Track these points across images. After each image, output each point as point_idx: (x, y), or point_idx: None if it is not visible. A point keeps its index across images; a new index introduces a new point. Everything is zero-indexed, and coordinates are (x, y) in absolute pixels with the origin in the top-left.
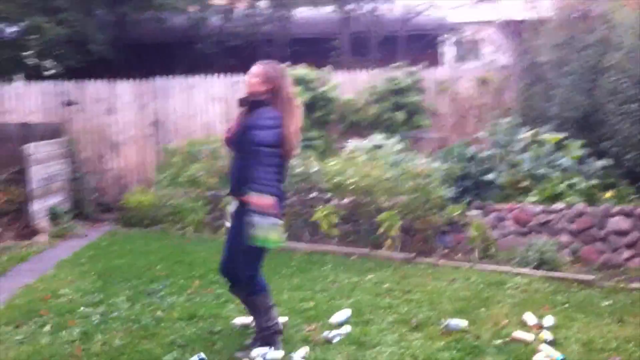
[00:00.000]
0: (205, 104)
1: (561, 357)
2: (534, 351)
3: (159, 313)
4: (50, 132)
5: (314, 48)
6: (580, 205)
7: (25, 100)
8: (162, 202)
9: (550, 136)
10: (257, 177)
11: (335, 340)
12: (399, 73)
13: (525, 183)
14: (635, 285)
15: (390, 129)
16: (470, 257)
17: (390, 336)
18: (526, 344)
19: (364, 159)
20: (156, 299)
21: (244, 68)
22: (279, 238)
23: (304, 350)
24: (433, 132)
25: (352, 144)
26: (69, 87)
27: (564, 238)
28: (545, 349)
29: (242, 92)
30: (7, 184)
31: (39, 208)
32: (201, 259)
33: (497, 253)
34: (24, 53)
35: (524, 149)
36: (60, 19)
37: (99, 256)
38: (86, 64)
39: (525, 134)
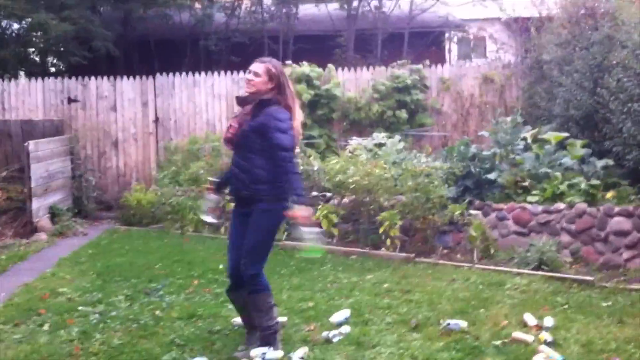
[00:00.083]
0: (208, 102)
1: (561, 358)
2: (534, 352)
3: (158, 312)
4: (53, 129)
5: (318, 45)
6: (581, 206)
7: (28, 97)
8: (163, 200)
9: (553, 135)
10: (297, 188)
11: (334, 341)
12: (402, 71)
13: (527, 183)
14: (635, 286)
15: (392, 127)
16: (470, 257)
17: (390, 336)
18: (526, 344)
19: (365, 157)
20: (155, 298)
21: (247, 65)
22: (322, 247)
23: (302, 351)
24: (435, 131)
25: (354, 142)
26: (72, 84)
27: (564, 238)
28: (545, 349)
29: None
30: (7, 182)
31: (39, 206)
32: (200, 258)
33: (497, 253)
34: (29, 50)
35: (526, 148)
36: (65, 16)
37: (98, 255)
38: (91, 61)
39: (528, 133)
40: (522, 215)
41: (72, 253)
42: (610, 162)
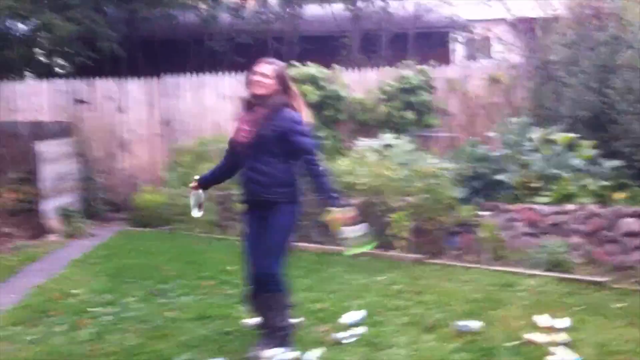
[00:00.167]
0: (215, 103)
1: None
2: (547, 353)
3: (169, 314)
4: (61, 130)
5: (324, 46)
6: (592, 207)
7: (36, 98)
8: (172, 201)
9: (562, 136)
10: (329, 190)
11: (347, 342)
12: (409, 71)
13: (536, 184)
14: None
15: (399, 128)
16: (480, 259)
17: (402, 338)
18: (539, 346)
19: (374, 158)
20: (167, 299)
21: (252, 66)
22: (370, 240)
23: (320, 351)
24: (443, 132)
25: (362, 143)
26: (80, 85)
27: (575, 239)
28: (558, 351)
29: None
30: (18, 183)
31: (49, 207)
32: (211, 260)
33: (508, 254)
34: (35, 50)
35: (535, 149)
36: (70, 16)
37: (109, 256)
38: (96, 61)
39: (536, 134)
40: (532, 217)
41: (83, 254)
42: (620, 163)
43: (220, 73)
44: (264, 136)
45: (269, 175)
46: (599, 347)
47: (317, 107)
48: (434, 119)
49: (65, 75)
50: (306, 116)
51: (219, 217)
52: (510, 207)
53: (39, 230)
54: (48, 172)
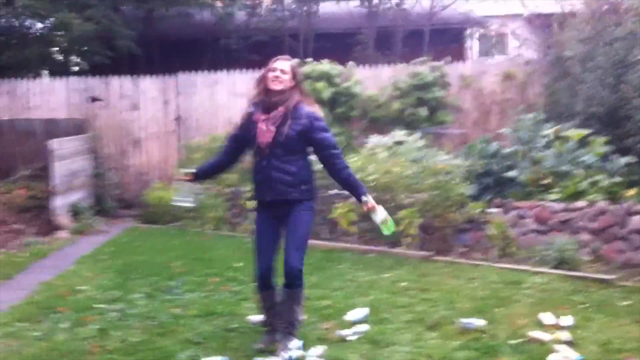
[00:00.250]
0: (228, 100)
1: (579, 358)
2: (551, 351)
3: (176, 310)
4: (75, 128)
5: (339, 43)
6: (602, 204)
7: (51, 96)
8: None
9: (575, 132)
10: (358, 180)
11: (351, 339)
12: (423, 68)
13: (548, 180)
14: None
15: (412, 125)
16: (489, 256)
17: (406, 335)
18: (543, 344)
19: (385, 155)
20: (174, 296)
21: (267, 64)
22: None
23: (322, 349)
24: (456, 128)
25: (374, 140)
26: (95, 83)
27: (585, 237)
28: (563, 349)
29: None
30: (30, 180)
31: (61, 204)
32: (220, 256)
33: (517, 251)
34: (52, 49)
35: (547, 146)
36: (87, 15)
37: (118, 253)
38: (113, 60)
39: (549, 130)
40: (542, 214)
41: (92, 251)
42: (633, 159)
43: (235, 71)
44: (288, 135)
45: (294, 174)
46: (604, 345)
47: (330, 104)
48: (447, 116)
49: (81, 73)
50: (318, 112)
51: (228, 214)
52: (520, 204)
53: (49, 227)
54: (60, 169)
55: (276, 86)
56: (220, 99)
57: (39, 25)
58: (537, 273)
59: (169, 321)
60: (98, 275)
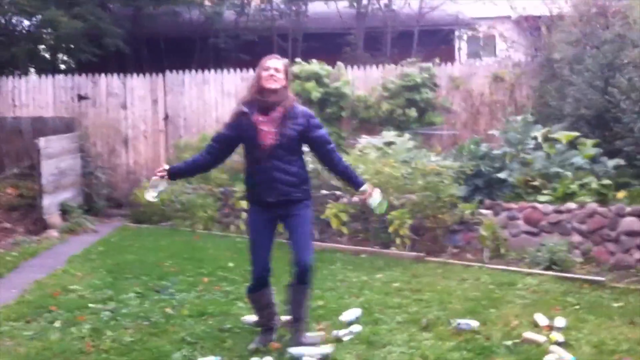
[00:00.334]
0: (217, 99)
1: (573, 359)
2: (545, 352)
3: (168, 310)
4: (63, 126)
5: (328, 43)
6: (592, 206)
7: (38, 94)
8: (172, 198)
9: (564, 134)
10: (354, 171)
11: (345, 339)
12: (412, 69)
13: (537, 182)
14: None
15: (402, 125)
16: (480, 257)
17: (400, 336)
18: (537, 345)
19: (375, 156)
20: (166, 295)
21: (256, 63)
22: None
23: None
24: (445, 129)
25: (364, 140)
26: (82, 81)
27: (575, 238)
28: (556, 350)
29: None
30: (19, 179)
31: (50, 203)
32: (210, 256)
33: (508, 253)
34: (39, 46)
35: (537, 148)
36: (75, 13)
37: (109, 252)
38: (101, 58)
39: (538, 132)
40: (533, 215)
41: (82, 250)
42: (622, 161)
43: (224, 70)
44: (288, 135)
45: (296, 174)
46: (597, 346)
47: (319, 104)
48: (437, 117)
49: (69, 72)
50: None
51: (218, 214)
52: (511, 205)
53: (40, 226)
54: (49, 168)
55: (272, 85)
56: (209, 98)
57: (26, 22)
58: (529, 274)
59: (161, 321)
60: (89, 274)
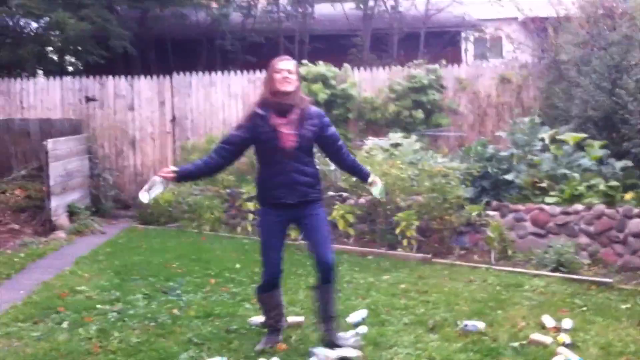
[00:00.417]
0: (224, 101)
1: None
2: (552, 354)
3: (175, 311)
4: (71, 128)
5: (334, 45)
6: (600, 207)
7: (46, 96)
8: (180, 199)
9: (571, 136)
10: (361, 164)
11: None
12: (418, 71)
13: (544, 184)
14: None
15: (408, 127)
16: (487, 259)
17: (407, 337)
18: (544, 346)
19: (382, 157)
20: (173, 296)
21: (263, 65)
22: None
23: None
24: (452, 131)
25: (370, 142)
26: (90, 83)
27: (583, 240)
28: (564, 352)
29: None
30: (26, 180)
31: (57, 204)
32: (217, 258)
33: (515, 254)
34: (47, 48)
35: (544, 149)
36: (82, 15)
37: (116, 253)
38: (108, 60)
39: (546, 134)
40: (540, 217)
41: (90, 251)
42: (629, 163)
43: (230, 72)
44: (306, 137)
45: (312, 174)
46: (605, 348)
47: (326, 106)
48: (444, 118)
49: (76, 73)
50: None
51: (225, 216)
52: (519, 206)
53: (47, 227)
54: (57, 170)
55: (287, 88)
56: (216, 100)
57: (34, 24)
58: (536, 276)
59: (168, 322)
60: (96, 275)
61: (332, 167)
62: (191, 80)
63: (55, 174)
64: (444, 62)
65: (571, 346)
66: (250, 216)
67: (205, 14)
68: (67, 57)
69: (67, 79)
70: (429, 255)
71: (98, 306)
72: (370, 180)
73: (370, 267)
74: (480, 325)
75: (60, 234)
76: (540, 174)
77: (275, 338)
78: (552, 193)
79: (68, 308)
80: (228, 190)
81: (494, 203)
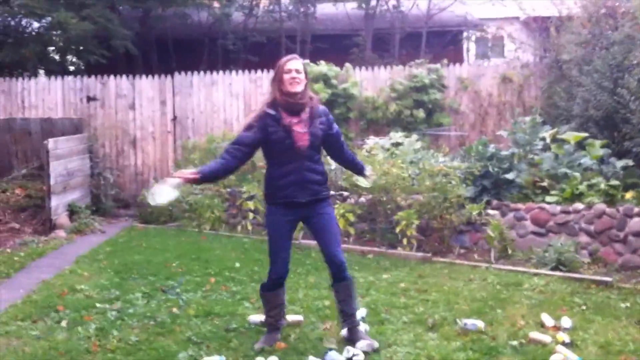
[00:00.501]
0: (225, 101)
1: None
2: (551, 352)
3: (175, 310)
4: (72, 127)
5: (336, 45)
6: (600, 206)
7: (48, 95)
8: (180, 199)
9: (572, 135)
10: (359, 160)
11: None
12: (420, 70)
13: (545, 183)
14: None
15: (410, 126)
16: (487, 258)
17: (406, 336)
18: (543, 345)
19: (383, 157)
20: (172, 295)
21: (264, 65)
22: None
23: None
24: (453, 130)
25: (371, 141)
26: (91, 82)
27: (583, 239)
28: (563, 350)
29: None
30: (27, 179)
31: (58, 203)
32: (217, 257)
33: (515, 253)
34: (48, 48)
35: (545, 149)
36: (84, 15)
37: (116, 252)
38: (110, 60)
39: (546, 133)
40: (540, 216)
41: (90, 250)
42: (630, 162)
43: (232, 71)
44: (317, 136)
45: (322, 173)
46: (604, 347)
47: (327, 105)
48: (445, 118)
49: (78, 73)
50: None
51: (225, 215)
52: (519, 205)
53: (47, 226)
54: (58, 169)
55: (297, 88)
56: (217, 99)
57: (36, 24)
58: (536, 275)
59: (168, 321)
60: (96, 274)
61: (333, 166)
62: (192, 80)
63: (56, 173)
64: (445, 61)
65: (570, 345)
66: (251, 215)
67: (207, 14)
68: (69, 57)
69: (69, 79)
70: (429, 254)
71: (97, 305)
72: (367, 172)
73: (370, 266)
74: (480, 324)
75: (61, 233)
76: (541, 173)
77: (274, 337)
78: (552, 192)
79: (67, 307)
80: (228, 190)
81: (495, 202)
